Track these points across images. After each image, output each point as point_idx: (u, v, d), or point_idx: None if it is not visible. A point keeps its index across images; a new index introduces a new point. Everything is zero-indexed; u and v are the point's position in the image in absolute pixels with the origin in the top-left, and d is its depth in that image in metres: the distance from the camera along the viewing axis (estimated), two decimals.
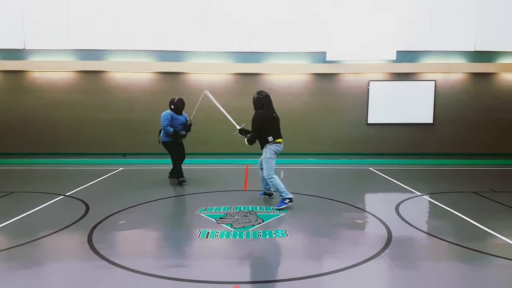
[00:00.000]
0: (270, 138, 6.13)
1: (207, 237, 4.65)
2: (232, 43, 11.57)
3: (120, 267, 3.74)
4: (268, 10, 11.49)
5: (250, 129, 6.31)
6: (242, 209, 5.87)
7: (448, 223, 5.36)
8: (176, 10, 11.42)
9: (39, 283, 3.55)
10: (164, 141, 7.70)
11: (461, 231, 4.98)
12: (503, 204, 6.32)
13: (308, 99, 11.86)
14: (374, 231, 4.96)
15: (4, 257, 4.05)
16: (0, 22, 11.30)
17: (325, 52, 11.35)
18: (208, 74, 11.67)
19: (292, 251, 4.31)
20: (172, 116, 7.58)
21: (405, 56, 11.60)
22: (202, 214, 5.62)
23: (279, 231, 4.85)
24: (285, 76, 11.75)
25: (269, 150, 6.14)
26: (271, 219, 5.37)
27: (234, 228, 4.96)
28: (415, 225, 5.13)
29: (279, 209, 5.87)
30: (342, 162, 10.97)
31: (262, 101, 6.21)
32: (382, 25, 11.18)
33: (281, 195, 6.07)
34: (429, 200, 6.66)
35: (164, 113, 7.62)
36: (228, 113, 6.99)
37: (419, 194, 7.04)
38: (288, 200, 5.99)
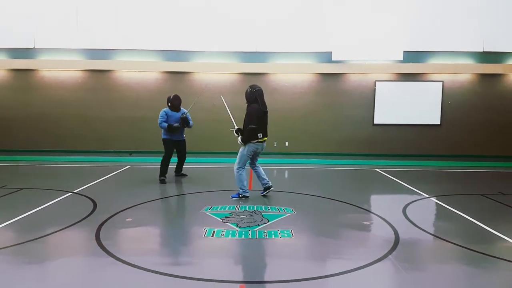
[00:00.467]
0: (260, 135, 6.19)
1: (212, 236, 4.66)
2: (237, 43, 11.58)
3: (127, 264, 3.77)
4: (274, 10, 11.47)
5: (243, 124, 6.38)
6: (247, 209, 5.87)
7: (456, 225, 5.33)
8: (182, 10, 11.45)
9: (47, 278, 3.58)
10: (163, 138, 7.99)
11: (468, 234, 4.95)
12: None
13: (314, 99, 11.84)
14: (380, 232, 4.94)
15: (13, 252, 4.09)
16: (12, 22, 11.41)
17: (331, 52, 11.32)
18: (213, 74, 11.69)
19: (297, 252, 4.31)
20: (167, 113, 7.88)
21: (412, 56, 11.54)
22: (207, 213, 5.64)
23: (285, 231, 4.85)
24: (291, 76, 11.74)
25: (248, 148, 6.27)
26: (276, 219, 5.37)
27: (240, 227, 4.97)
28: (422, 227, 5.10)
29: (234, 199, 6.27)
30: (347, 163, 10.95)
31: (255, 95, 6.27)
32: (389, 25, 11.13)
33: (240, 188, 6.31)
34: (436, 202, 6.62)
35: (161, 111, 7.93)
36: (232, 112, 7.06)
37: (427, 196, 7.01)
38: (243, 197, 6.28)
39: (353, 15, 11.26)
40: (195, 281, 3.46)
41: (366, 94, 11.81)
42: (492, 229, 5.05)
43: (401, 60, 11.39)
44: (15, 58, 11.52)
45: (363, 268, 3.77)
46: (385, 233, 4.84)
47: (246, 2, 11.46)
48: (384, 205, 6.87)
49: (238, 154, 6.39)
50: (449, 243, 4.52)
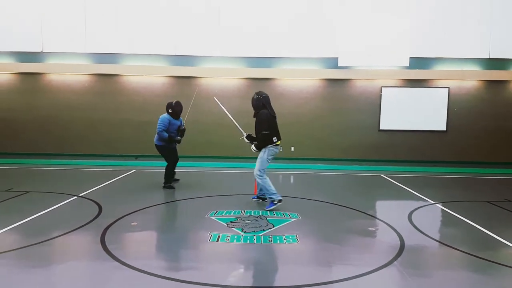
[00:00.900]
0: (274, 139, 6.17)
1: (217, 240, 4.66)
2: (244, 48, 11.62)
3: (132, 268, 3.78)
4: (281, 16, 11.51)
5: (254, 132, 6.34)
6: (252, 214, 5.88)
7: (461, 232, 5.30)
8: (190, 16, 11.52)
9: (52, 282, 3.60)
10: (158, 144, 7.61)
11: (474, 241, 4.91)
12: None
13: (320, 104, 11.84)
14: (386, 238, 4.92)
15: (18, 255, 4.11)
16: (20, 26, 11.54)
17: (337, 58, 11.33)
18: (220, 79, 11.74)
19: (302, 257, 4.30)
20: (170, 121, 7.50)
21: (418, 62, 11.52)
22: (213, 218, 5.64)
23: (290, 237, 4.84)
24: (297, 81, 11.76)
25: (268, 151, 6.19)
26: (281, 224, 5.37)
27: (245, 232, 4.97)
28: (427, 234, 5.07)
29: (270, 209, 5.98)
30: (353, 168, 10.92)
31: (263, 101, 6.28)
32: (395, 31, 11.13)
33: (270, 197, 6.11)
34: (442, 209, 6.59)
35: (162, 117, 7.53)
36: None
37: (432, 202, 6.97)
38: (277, 201, 6.07)
39: (359, 21, 11.27)
40: (200, 285, 3.45)
41: (372, 100, 11.79)
42: (498, 236, 5.01)
43: (407, 66, 11.37)
44: (23, 62, 11.63)
45: (369, 274, 3.76)
46: (391, 239, 4.82)
47: (253, 8, 11.51)
48: (389, 211, 6.84)
49: (258, 159, 6.23)
50: (455, 250, 4.49)
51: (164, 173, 7.79)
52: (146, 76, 11.74)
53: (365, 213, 6.09)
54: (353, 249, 4.57)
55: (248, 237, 4.77)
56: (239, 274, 3.82)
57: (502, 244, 4.76)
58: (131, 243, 4.71)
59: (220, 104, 7.39)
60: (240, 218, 5.60)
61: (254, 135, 6.48)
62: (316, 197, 7.10)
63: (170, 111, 7.56)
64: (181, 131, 7.71)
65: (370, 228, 5.33)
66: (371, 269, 3.85)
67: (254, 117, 6.40)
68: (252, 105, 6.39)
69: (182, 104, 7.74)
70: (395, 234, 5.04)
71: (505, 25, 11.36)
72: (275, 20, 11.52)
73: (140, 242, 4.79)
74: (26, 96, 11.83)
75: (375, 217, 5.91)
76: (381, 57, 11.24)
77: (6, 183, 8.06)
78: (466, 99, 11.70)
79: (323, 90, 11.82)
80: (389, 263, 4.04)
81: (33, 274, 3.67)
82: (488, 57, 11.50)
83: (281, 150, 11.50)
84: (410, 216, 5.93)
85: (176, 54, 11.66)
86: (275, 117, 6.32)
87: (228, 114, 7.17)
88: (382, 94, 11.72)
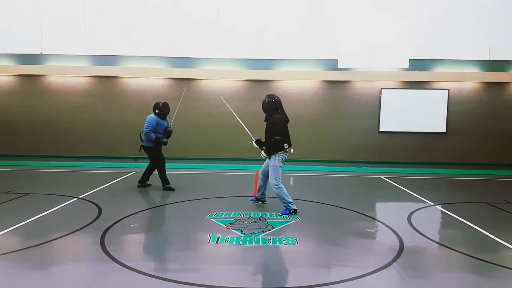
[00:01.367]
0: (286, 145, 6.04)
1: (217, 242, 4.67)
2: (243, 50, 11.64)
3: (132, 270, 3.78)
4: (280, 17, 11.55)
5: (264, 136, 6.21)
6: (252, 215, 5.87)
7: (461, 233, 5.31)
8: (189, 17, 11.55)
9: (52, 283, 3.60)
10: (146, 146, 7.54)
11: (474, 242, 4.92)
12: None
13: (319, 106, 11.86)
14: (385, 240, 4.92)
15: (18, 257, 4.12)
16: (19, 28, 11.57)
17: (337, 60, 11.35)
18: (220, 81, 11.75)
19: (302, 259, 4.30)
20: (157, 121, 7.43)
21: (418, 64, 11.55)
22: (212, 219, 5.64)
23: (289, 238, 4.84)
24: (296, 83, 11.78)
25: (278, 157, 6.04)
26: (281, 226, 5.37)
27: (244, 234, 4.97)
28: (427, 235, 5.07)
29: (283, 215, 5.90)
30: (353, 170, 10.93)
31: (275, 105, 6.07)
32: (395, 33, 11.14)
33: (287, 206, 6.02)
34: (441, 210, 6.59)
35: (149, 117, 7.48)
36: (239, 119, 6.98)
37: (432, 204, 6.97)
38: (293, 211, 5.98)
39: (359, 23, 11.30)
40: (199, 287, 3.46)
41: (371, 101, 11.81)
42: (497, 237, 5.02)
43: (407, 68, 11.39)
44: (23, 64, 11.65)
45: (368, 275, 3.76)
46: (390, 241, 4.82)
47: (252, 10, 11.54)
48: (389, 212, 6.85)
49: (271, 168, 6.06)
50: (454, 251, 4.49)
51: (159, 176, 7.73)
52: (146, 78, 11.76)
53: (365, 215, 6.09)
54: (353, 250, 4.57)
55: (248, 239, 4.77)
56: (238, 275, 3.82)
57: (502, 245, 4.76)
58: (131, 245, 4.71)
59: (228, 106, 7.32)
60: (239, 220, 5.60)
61: (263, 140, 6.31)
62: (315, 199, 7.11)
63: (157, 111, 7.49)
64: (167, 133, 7.62)
65: (369, 230, 5.33)
66: (370, 271, 3.86)
67: (265, 121, 6.20)
68: (263, 109, 6.16)
69: (170, 105, 7.69)
70: (394, 235, 5.04)
71: (505, 27, 11.39)
72: (274, 21, 11.55)
73: (140, 243, 4.80)
74: (26, 98, 11.85)
75: (375, 219, 5.91)
76: (381, 59, 11.26)
77: (6, 184, 8.06)
78: (465, 101, 11.72)
79: (323, 92, 11.84)
80: (389, 264, 4.04)
81: (33, 276, 3.68)
82: (487, 59, 11.53)
83: (291, 151, 11.56)
84: (409, 218, 5.94)
85: (175, 56, 11.68)
86: (287, 122, 6.13)
87: (237, 117, 7.03)
88: (382, 96, 11.74)
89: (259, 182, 6.56)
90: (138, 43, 11.65)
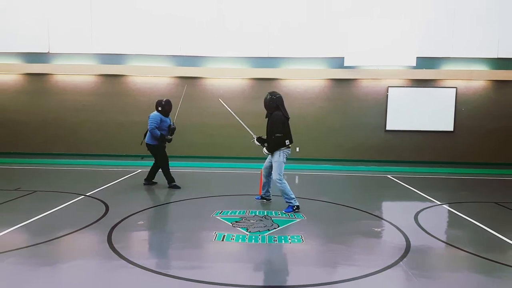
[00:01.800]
0: (287, 142, 6.10)
1: (223, 240, 4.68)
2: (249, 48, 11.63)
3: (139, 267, 3.80)
4: (286, 15, 11.51)
5: (266, 133, 6.27)
6: (257, 214, 5.88)
7: (468, 233, 5.27)
8: (195, 16, 11.55)
9: (59, 280, 3.63)
10: (150, 144, 7.59)
11: (481, 242, 4.88)
12: None
13: (325, 104, 11.81)
14: (392, 239, 4.90)
15: (26, 254, 4.15)
16: (27, 26, 11.65)
17: (343, 58, 11.29)
18: (225, 79, 11.75)
19: (307, 257, 4.30)
20: (161, 118, 7.50)
21: (425, 62, 11.46)
22: (218, 217, 5.66)
23: (295, 237, 4.84)
24: (302, 81, 11.74)
25: (282, 154, 6.11)
26: (286, 224, 5.37)
27: (250, 232, 4.97)
28: (434, 235, 5.05)
29: (288, 213, 5.91)
30: (359, 169, 10.89)
31: (277, 102, 6.13)
32: (402, 30, 11.06)
33: (289, 202, 6.06)
34: (448, 210, 6.55)
35: (152, 114, 7.54)
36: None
37: (439, 203, 6.93)
38: (295, 207, 6.01)
39: (366, 20, 11.22)
40: (204, 284, 3.47)
41: (378, 100, 11.74)
42: (505, 237, 4.97)
43: (414, 66, 11.30)
44: (30, 63, 11.73)
45: (374, 274, 3.75)
46: (397, 240, 4.80)
47: (258, 8, 11.52)
48: (395, 211, 6.81)
49: (275, 164, 6.12)
50: (461, 251, 4.46)
51: (163, 174, 7.78)
52: (152, 77, 11.79)
53: (371, 214, 6.07)
54: (359, 249, 4.55)
55: (253, 237, 4.78)
56: (244, 273, 3.83)
57: (510, 245, 4.72)
58: (138, 242, 4.74)
59: (227, 107, 7.35)
60: (245, 218, 5.61)
61: (264, 137, 6.39)
62: (321, 198, 7.09)
63: (159, 109, 7.56)
64: (171, 130, 7.69)
65: (376, 229, 5.31)
66: (376, 270, 3.84)
67: (266, 118, 6.30)
68: (265, 106, 6.24)
69: (172, 104, 7.76)
70: (401, 235, 5.02)
71: None
72: (279, 19, 11.51)
73: (146, 241, 4.82)
74: (33, 97, 11.92)
75: (381, 218, 5.89)
76: (388, 57, 11.17)
77: (15, 182, 8.14)
78: (473, 99, 11.61)
79: (328, 90, 11.79)
80: (395, 263, 4.02)
81: (40, 272, 3.71)
82: (496, 57, 11.41)
83: (297, 150, 11.56)
84: (416, 217, 5.91)
85: (181, 54, 11.69)
86: (288, 119, 6.21)
87: (236, 117, 7.09)
88: (389, 94, 11.67)
89: (263, 179, 6.60)
90: (144, 42, 11.68)
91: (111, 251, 4.23)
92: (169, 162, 7.85)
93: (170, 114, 7.83)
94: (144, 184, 7.98)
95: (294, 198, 6.07)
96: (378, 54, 11.10)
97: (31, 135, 11.99)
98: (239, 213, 5.90)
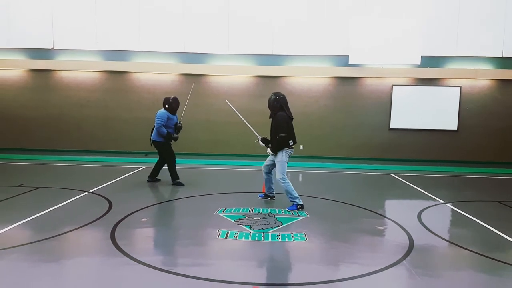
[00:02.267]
0: (291, 142, 6.11)
1: (226, 237, 4.68)
2: (254, 45, 11.62)
3: (142, 264, 3.81)
4: (291, 13, 11.49)
5: (270, 133, 6.27)
6: (261, 211, 5.88)
7: (472, 232, 5.25)
8: (200, 13, 11.54)
9: (62, 276, 3.65)
10: (157, 141, 7.61)
11: (485, 241, 4.86)
12: None
13: (330, 102, 11.79)
14: (395, 238, 4.89)
15: (29, 250, 4.17)
16: (31, 22, 11.67)
17: (348, 56, 11.26)
18: (229, 77, 11.75)
19: (310, 255, 4.30)
20: (168, 116, 7.51)
21: (430, 61, 11.41)
22: (221, 215, 5.66)
23: (298, 235, 4.84)
24: (306, 79, 11.72)
25: (285, 153, 6.14)
26: (290, 222, 5.37)
27: (253, 229, 4.98)
28: (437, 233, 5.04)
29: (292, 211, 5.93)
30: (363, 167, 10.87)
31: (281, 103, 6.16)
32: (407, 29, 11.01)
33: (293, 201, 6.08)
34: (452, 208, 6.53)
35: (160, 112, 7.54)
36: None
37: (442, 202, 6.91)
38: (299, 206, 6.02)
39: (370, 19, 11.18)
40: (208, 282, 3.47)
41: (382, 98, 11.71)
42: (508, 236, 4.96)
43: (418, 65, 11.26)
44: (34, 59, 11.76)
45: (377, 272, 3.74)
46: (400, 239, 4.79)
47: (263, 6, 11.50)
48: (399, 210, 6.80)
49: (277, 164, 6.15)
50: (464, 250, 4.45)
51: (169, 171, 7.79)
52: (156, 74, 11.80)
53: (375, 212, 6.06)
54: (362, 247, 4.55)
55: (257, 235, 4.78)
56: (247, 271, 3.83)
57: None
58: (141, 239, 4.75)
59: (234, 108, 7.34)
60: (248, 216, 5.61)
61: (268, 138, 6.41)
62: (325, 196, 7.09)
63: (167, 106, 7.56)
64: (177, 128, 7.70)
65: (379, 227, 5.30)
66: (379, 268, 3.84)
67: (270, 118, 6.31)
68: (269, 106, 6.26)
69: (179, 101, 7.75)
70: (404, 233, 5.01)
71: None
72: (284, 17, 11.49)
73: (150, 238, 4.83)
74: (37, 93, 11.96)
75: (385, 216, 5.88)
76: (392, 55, 11.13)
77: (18, 178, 8.17)
78: (478, 98, 11.56)
79: (333, 88, 11.77)
80: (398, 262, 4.02)
81: (43, 269, 3.73)
82: (501, 56, 11.35)
83: (301, 148, 11.55)
84: (419, 216, 5.89)
85: (185, 51, 11.69)
86: (292, 119, 6.23)
87: (242, 118, 7.08)
88: (393, 92, 11.64)
89: (264, 176, 6.64)
90: (148, 39, 11.69)
91: (115, 247, 4.24)
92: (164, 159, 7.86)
93: (177, 112, 7.82)
94: (148, 181, 8.00)
95: (298, 197, 6.09)
96: (382, 52, 11.07)
97: (35, 131, 12.04)
98: (243, 210, 5.90)
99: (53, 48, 11.78)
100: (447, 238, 4.98)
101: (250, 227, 5.06)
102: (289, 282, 3.63)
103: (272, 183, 6.66)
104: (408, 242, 4.66)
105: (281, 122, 6.05)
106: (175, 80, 11.81)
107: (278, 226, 5.17)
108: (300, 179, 9.23)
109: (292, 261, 4.17)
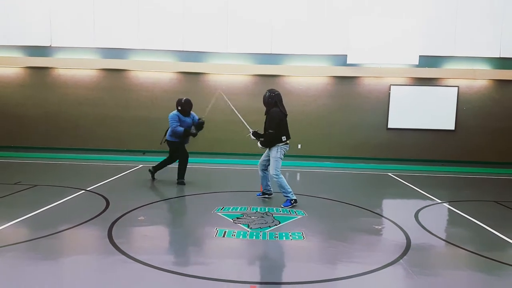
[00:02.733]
0: (284, 138, 6.19)
1: (224, 236, 4.68)
2: (252, 44, 11.60)
3: (139, 262, 3.80)
4: (289, 12, 11.47)
5: (263, 129, 6.35)
6: (258, 210, 5.88)
7: (468, 231, 5.27)
8: (198, 11, 11.52)
9: (59, 275, 3.64)
10: (170, 140, 7.59)
11: (481, 240, 4.88)
12: None
13: (328, 102, 11.79)
14: (392, 237, 4.90)
15: (26, 248, 4.16)
16: (29, 20, 11.61)
17: (346, 55, 11.26)
18: (228, 75, 11.73)
19: (308, 254, 4.30)
20: (179, 117, 7.48)
21: (428, 60, 11.42)
22: (219, 213, 5.66)
23: (296, 234, 4.84)
24: (305, 78, 11.71)
25: (280, 150, 6.21)
26: (287, 221, 5.37)
27: (251, 228, 4.98)
28: (434, 233, 5.05)
29: (287, 208, 6.01)
30: (360, 167, 10.88)
31: (275, 99, 6.26)
32: (405, 29, 11.02)
33: (287, 196, 6.15)
34: (449, 208, 6.54)
35: (171, 114, 7.50)
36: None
37: (439, 201, 6.93)
38: (293, 201, 6.10)
39: (369, 18, 11.18)
40: (205, 280, 3.47)
41: (380, 98, 11.72)
42: (505, 236, 4.97)
43: (416, 65, 11.27)
44: (31, 56, 11.70)
45: (374, 271, 3.75)
46: (397, 238, 4.80)
47: (261, 5, 11.48)
48: (396, 209, 6.82)
49: (272, 160, 6.21)
50: (461, 249, 4.47)
51: (178, 169, 7.77)
52: (154, 72, 11.76)
53: (372, 212, 6.07)
54: (359, 247, 4.55)
55: (254, 233, 4.78)
56: (245, 270, 3.83)
57: (510, 244, 4.72)
58: (138, 238, 4.74)
59: (227, 99, 7.38)
60: (246, 215, 5.61)
61: (261, 132, 6.48)
62: (322, 195, 7.09)
63: (179, 108, 7.55)
64: (199, 124, 7.63)
65: (376, 227, 5.31)
66: (377, 267, 3.85)
67: (265, 114, 6.39)
68: (264, 103, 6.36)
69: (192, 102, 7.72)
70: (401, 232, 5.02)
71: None
72: (283, 16, 11.47)
73: (147, 236, 4.81)
74: (35, 91, 11.90)
75: (382, 216, 5.89)
76: (390, 55, 11.13)
77: (15, 176, 8.15)
78: (475, 98, 11.58)
79: (331, 87, 11.77)
80: (395, 261, 4.03)
81: (40, 267, 3.71)
82: (498, 56, 11.37)
83: (299, 147, 11.56)
84: (417, 215, 5.91)
85: (184, 50, 11.67)
86: (286, 115, 6.31)
87: (235, 110, 7.17)
88: (391, 92, 11.65)
89: (259, 173, 6.67)
90: (147, 37, 11.65)
91: (112, 246, 4.23)
92: (172, 158, 7.87)
93: (200, 111, 7.75)
94: (149, 171, 8.02)
95: (291, 192, 6.18)
96: (381, 52, 11.07)
97: (32, 129, 11.98)
98: (241, 209, 5.90)
99: (51, 45, 11.72)
100: (444, 237, 4.99)
101: (248, 226, 5.06)
102: (286, 281, 3.64)
103: (268, 180, 6.69)
104: (405, 241, 4.67)
105: (274, 118, 6.14)
106: (174, 79, 11.78)
107: (276, 225, 5.17)
108: (298, 178, 9.23)
109: (289, 260, 4.17)
